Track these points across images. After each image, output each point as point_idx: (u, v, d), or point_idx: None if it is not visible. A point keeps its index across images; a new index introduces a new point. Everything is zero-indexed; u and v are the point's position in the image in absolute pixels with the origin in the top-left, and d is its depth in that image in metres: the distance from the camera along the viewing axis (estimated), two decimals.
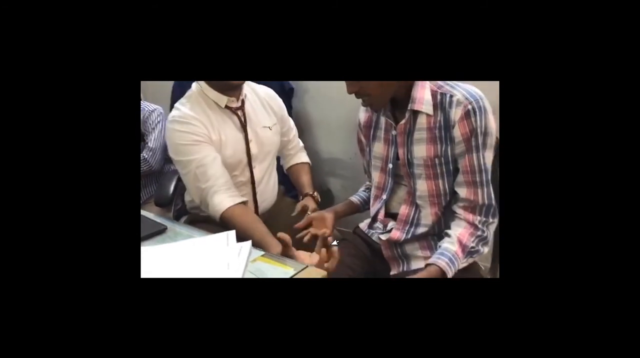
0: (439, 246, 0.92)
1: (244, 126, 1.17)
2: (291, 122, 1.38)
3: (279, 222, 1.29)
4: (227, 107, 1.14)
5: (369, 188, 1.20)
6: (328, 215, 1.09)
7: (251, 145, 1.18)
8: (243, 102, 1.17)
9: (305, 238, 1.02)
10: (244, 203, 1.10)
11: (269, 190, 1.28)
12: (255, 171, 1.21)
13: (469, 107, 0.86)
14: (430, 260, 0.89)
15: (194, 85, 1.18)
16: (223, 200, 1.07)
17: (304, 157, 1.41)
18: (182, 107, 1.11)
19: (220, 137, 1.13)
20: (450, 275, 0.87)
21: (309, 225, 1.06)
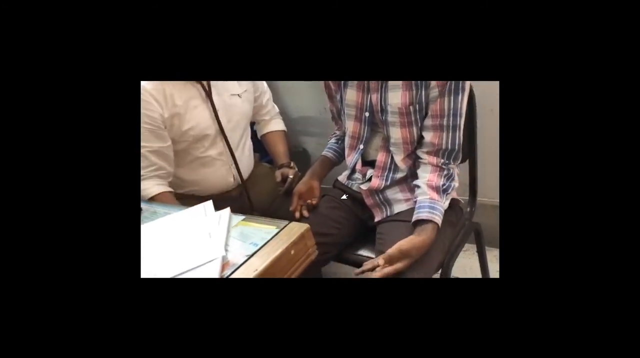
0: (415, 201, 0.92)
1: (209, 95, 1.09)
2: (264, 85, 1.30)
3: (259, 189, 1.27)
4: None
5: (339, 138, 1.17)
6: (314, 183, 1.08)
7: (219, 115, 1.11)
8: None
9: (298, 215, 1.01)
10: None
11: (244, 159, 1.23)
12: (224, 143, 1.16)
13: None
14: (413, 218, 0.89)
15: None
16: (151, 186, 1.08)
17: (279, 124, 1.34)
18: None
19: (177, 111, 1.06)
20: (439, 221, 0.88)
21: (299, 198, 1.05)
